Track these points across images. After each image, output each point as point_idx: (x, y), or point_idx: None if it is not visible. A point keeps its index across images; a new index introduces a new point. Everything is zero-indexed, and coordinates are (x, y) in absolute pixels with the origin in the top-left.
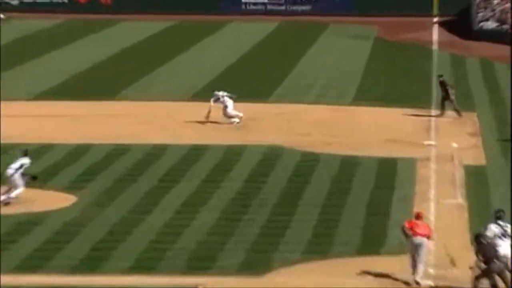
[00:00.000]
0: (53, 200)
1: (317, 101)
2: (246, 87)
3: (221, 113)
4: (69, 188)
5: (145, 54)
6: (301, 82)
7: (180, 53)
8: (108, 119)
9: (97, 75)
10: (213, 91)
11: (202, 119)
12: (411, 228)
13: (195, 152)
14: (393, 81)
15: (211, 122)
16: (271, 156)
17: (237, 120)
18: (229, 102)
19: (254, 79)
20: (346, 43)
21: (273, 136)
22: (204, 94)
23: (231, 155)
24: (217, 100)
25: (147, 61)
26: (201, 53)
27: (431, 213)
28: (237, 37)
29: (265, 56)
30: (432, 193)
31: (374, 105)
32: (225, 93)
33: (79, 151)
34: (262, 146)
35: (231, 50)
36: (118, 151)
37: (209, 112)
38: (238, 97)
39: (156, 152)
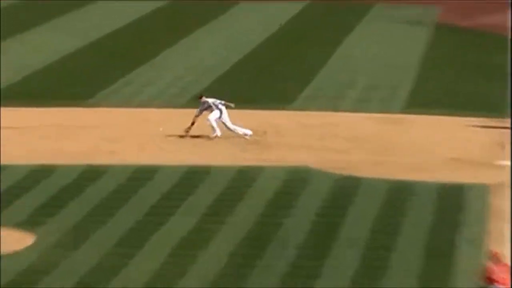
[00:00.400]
0: (5, 240)
1: (357, 107)
2: (261, 90)
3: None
4: (26, 224)
5: (125, 46)
6: (335, 83)
7: (171, 45)
8: (77, 131)
9: (61, 73)
10: (200, 97)
11: (203, 133)
12: (488, 277)
13: (194, 175)
14: (458, 81)
15: (192, 136)
16: (296, 181)
17: (249, 132)
18: (218, 112)
19: (271, 79)
20: (396, 30)
21: (299, 154)
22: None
23: (242, 179)
24: (207, 109)
25: (128, 55)
26: (199, 45)
27: (509, 258)
28: (247, 23)
29: (286, 48)
30: (510, 230)
31: (433, 113)
32: (218, 101)
33: (39, 174)
34: (284, 167)
35: (239, 40)
36: (91, 174)
37: (192, 124)
38: (250, 104)
39: (141, 175)
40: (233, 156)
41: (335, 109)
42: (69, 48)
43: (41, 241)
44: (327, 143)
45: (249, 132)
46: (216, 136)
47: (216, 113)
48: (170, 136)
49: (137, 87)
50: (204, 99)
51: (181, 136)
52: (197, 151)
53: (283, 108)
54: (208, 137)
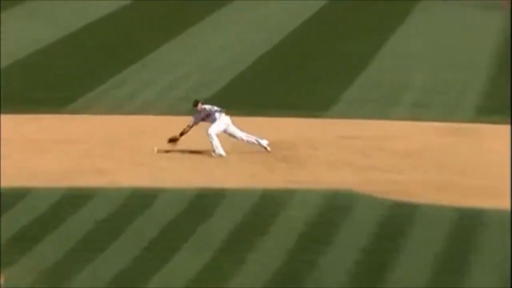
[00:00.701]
0: None
1: (412, 115)
2: (290, 93)
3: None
4: None
5: (115, 39)
6: (385, 83)
7: (171, 38)
8: (55, 145)
9: (33, 71)
10: (196, 103)
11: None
12: None
13: (204, 201)
14: None
15: (192, 151)
16: (335, 208)
17: (265, 141)
18: (220, 123)
19: (302, 80)
20: (462, 17)
21: (339, 174)
22: (212, 104)
23: (266, 206)
24: (205, 119)
25: (119, 50)
26: (206, 39)
27: None
28: (266, 13)
29: (319, 42)
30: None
31: (509, 122)
32: (215, 107)
33: (7, 200)
34: (319, 191)
35: (257, 34)
36: (73, 199)
37: (181, 134)
38: (277, 111)
39: (137, 201)
40: (255, 176)
41: (385, 116)
42: (44, 40)
43: (11, 285)
44: (375, 160)
45: (265, 141)
46: (220, 156)
47: (218, 125)
48: (180, 149)
49: (130, 90)
50: (201, 106)
51: (167, 151)
52: (208, 170)
53: (318, 116)
54: (210, 154)
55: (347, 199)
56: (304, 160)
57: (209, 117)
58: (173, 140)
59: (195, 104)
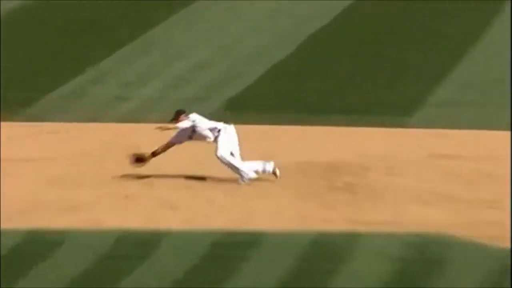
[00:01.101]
0: None
1: None
2: (353, 92)
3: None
4: None
5: (93, 13)
6: (487, 80)
7: (172, 14)
8: (9, 168)
9: None
10: (177, 115)
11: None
12: None
13: (229, 249)
14: None
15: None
16: (424, 260)
17: (271, 164)
18: (229, 134)
19: (372, 74)
20: None
21: (430, 212)
22: (230, 108)
23: (320, 256)
24: (192, 136)
25: (99, 29)
26: (227, 17)
27: None
28: None
29: (394, 21)
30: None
31: None
32: (203, 118)
33: None
34: (399, 237)
35: (305, 7)
36: (36, 245)
37: (155, 154)
38: (334, 117)
39: (128, 250)
40: (304, 213)
41: (495, 126)
42: None
43: None
44: (484, 191)
45: (271, 164)
46: (250, 179)
47: (226, 141)
48: (189, 170)
49: (117, 86)
50: (183, 117)
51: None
52: (233, 204)
53: (397, 125)
54: (225, 181)
55: (443, 248)
56: (377, 190)
57: (195, 133)
58: (139, 160)
59: (177, 116)
